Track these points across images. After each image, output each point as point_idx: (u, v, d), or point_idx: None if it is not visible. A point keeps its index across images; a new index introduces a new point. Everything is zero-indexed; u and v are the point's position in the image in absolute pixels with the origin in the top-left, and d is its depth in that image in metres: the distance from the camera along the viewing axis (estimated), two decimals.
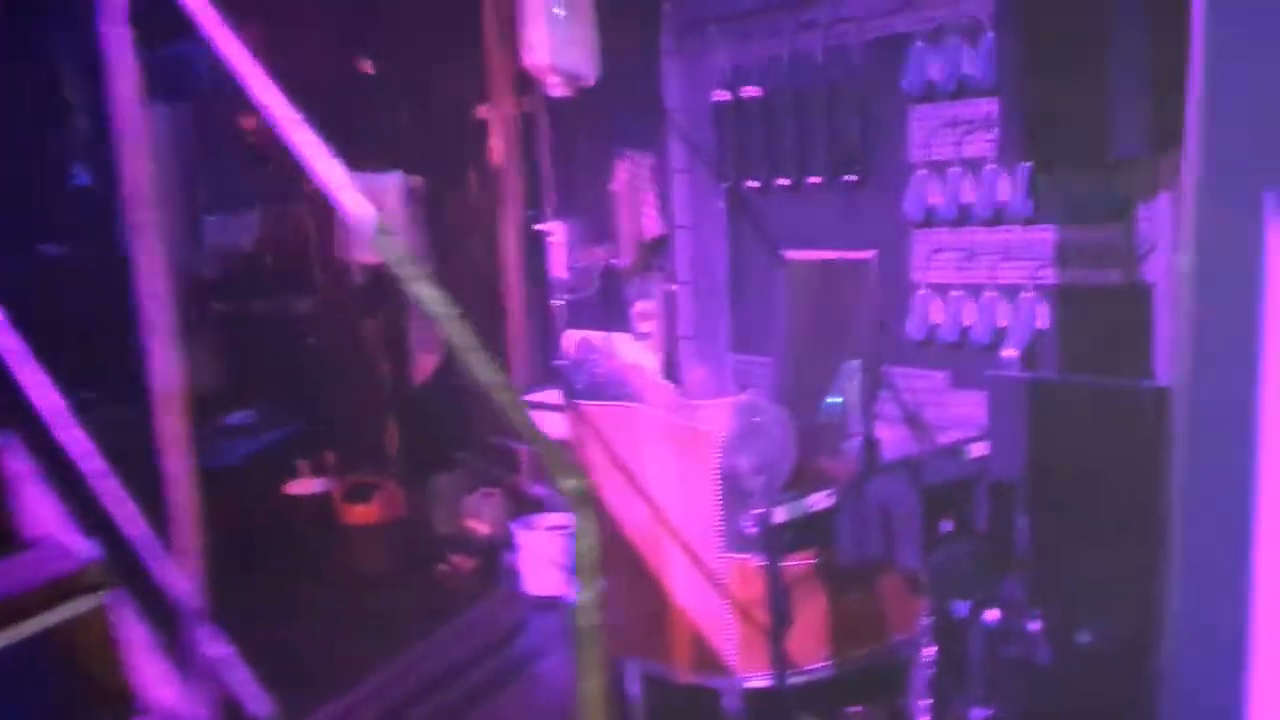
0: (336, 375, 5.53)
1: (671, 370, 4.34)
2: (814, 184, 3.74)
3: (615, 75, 4.43)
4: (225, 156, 6.01)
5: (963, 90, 3.34)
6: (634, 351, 4.44)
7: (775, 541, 2.92)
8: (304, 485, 5.42)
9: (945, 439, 3.48)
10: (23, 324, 6.01)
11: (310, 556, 5.19)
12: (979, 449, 3.15)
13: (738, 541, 3.07)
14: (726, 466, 3.09)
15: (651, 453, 3.22)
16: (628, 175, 4.25)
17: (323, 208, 5.36)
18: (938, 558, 2.87)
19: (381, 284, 5.35)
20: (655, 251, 4.32)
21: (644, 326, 4.38)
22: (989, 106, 3.28)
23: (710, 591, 3.13)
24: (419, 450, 5.39)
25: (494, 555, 4.95)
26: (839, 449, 3.95)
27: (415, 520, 5.24)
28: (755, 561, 3.02)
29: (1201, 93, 1.69)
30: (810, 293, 3.90)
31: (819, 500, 2.96)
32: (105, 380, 6.46)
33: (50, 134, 6.60)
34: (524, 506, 5.00)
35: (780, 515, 2.91)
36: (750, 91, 3.85)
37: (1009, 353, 3.26)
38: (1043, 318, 3.24)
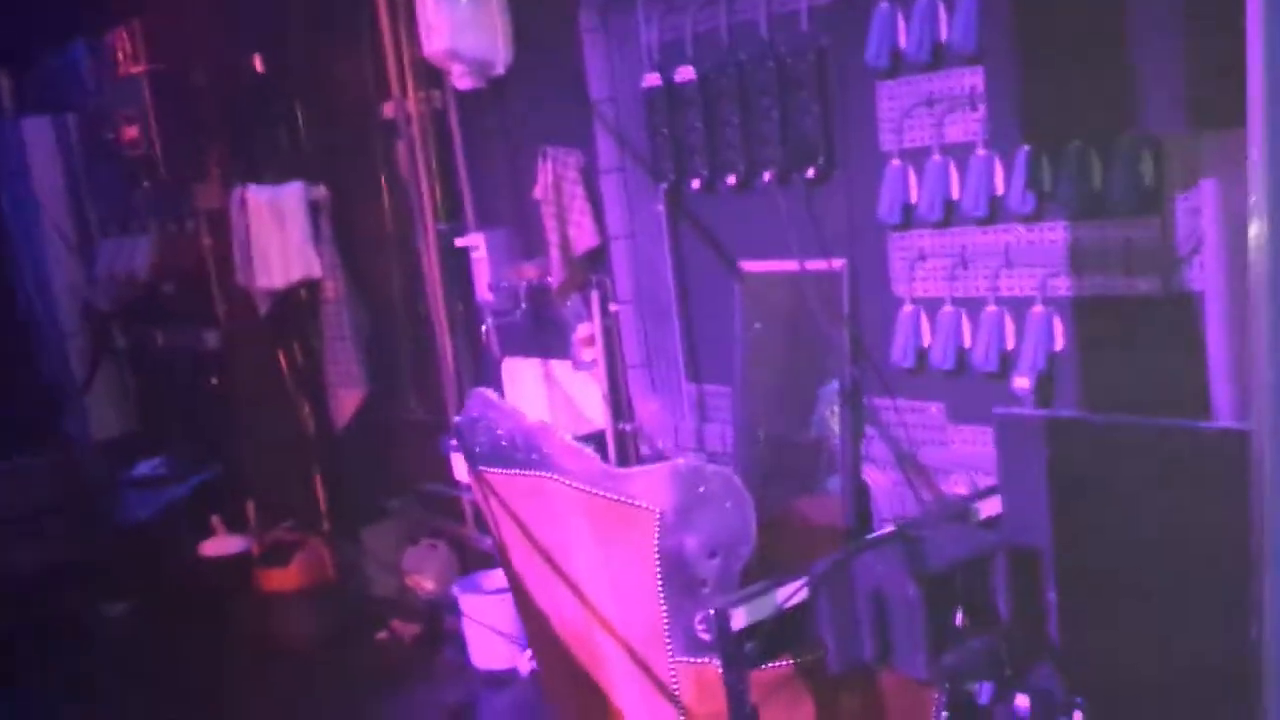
0: (250, 416, 4.88)
1: (620, 406, 3.70)
2: (767, 181, 3.10)
3: (530, 61, 3.77)
4: (112, 172, 5.34)
5: (940, 59, 2.69)
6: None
7: (737, 650, 2.29)
8: (219, 544, 4.79)
9: (947, 484, 2.85)
10: None
11: (229, 628, 4.58)
12: (990, 505, 2.52)
13: (692, 644, 2.45)
14: (669, 549, 2.46)
15: (574, 533, 2.60)
16: (551, 178, 3.60)
17: (219, 227, 4.71)
18: (951, 660, 2.25)
19: (290, 313, 4.70)
20: (590, 266, 3.67)
21: (585, 354, 3.73)
22: (972, 78, 2.63)
23: (661, 704, 2.51)
24: (347, 499, 4.75)
25: (439, 618, 4.33)
26: (820, 486, 3.34)
27: (346, 580, 4.62)
28: (716, 667, 2.39)
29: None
30: (772, 311, 3.26)
31: (792, 593, 2.33)
32: (11, 427, 5.82)
33: None
34: (471, 561, 4.37)
35: (741, 618, 2.28)
36: (685, 73, 3.19)
37: (1020, 382, 2.63)
38: (1059, 338, 2.61)
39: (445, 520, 4.42)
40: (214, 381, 5.03)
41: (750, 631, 2.29)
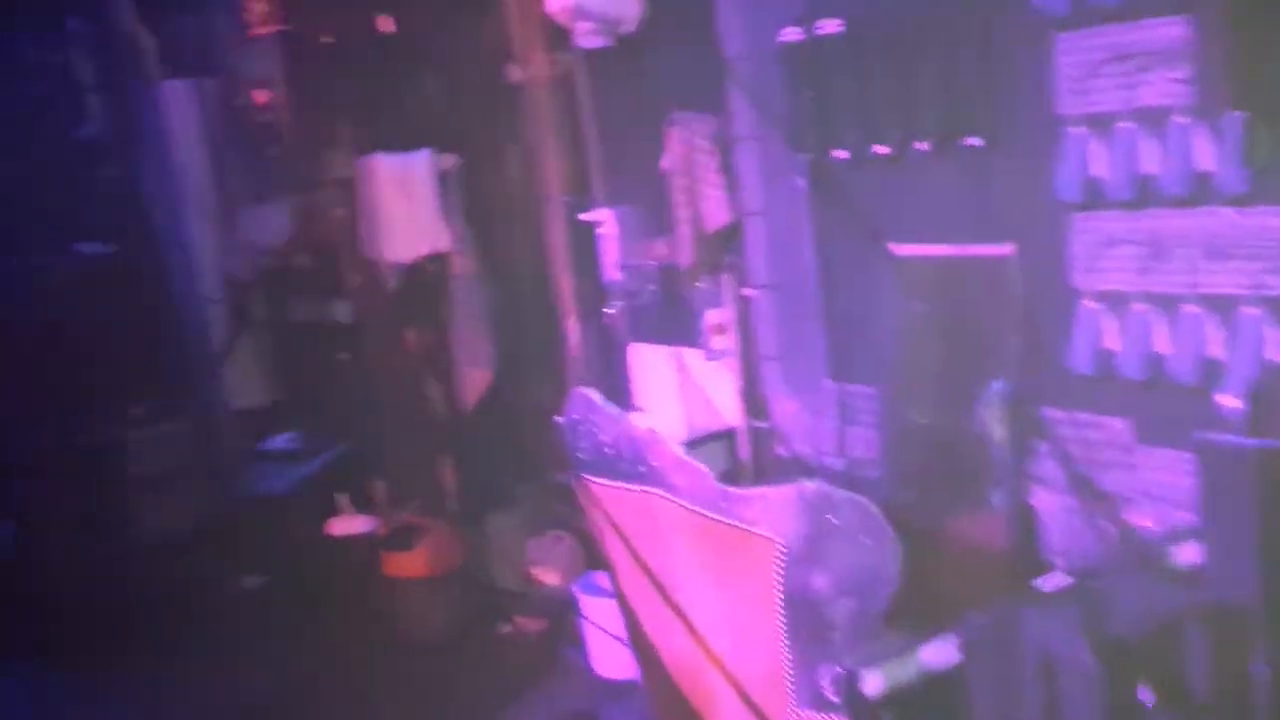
0: (379, 393, 4.73)
1: (754, 402, 3.35)
2: (923, 151, 2.68)
3: (662, 17, 3.42)
4: (247, 139, 5.25)
5: (1133, 6, 2.22)
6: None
7: (869, 717, 1.94)
8: (346, 524, 4.67)
9: (1132, 517, 2.41)
10: (61, 328, 5.42)
11: (353, 611, 4.46)
12: (1189, 552, 2.08)
13: (818, 698, 2.11)
14: (793, 586, 2.13)
15: (685, 557, 2.28)
16: (682, 148, 3.25)
17: (349, 197, 4.54)
18: None
19: (418, 287, 4.51)
20: (723, 246, 3.31)
21: (717, 343, 3.39)
22: (1174, 29, 2.16)
23: None
24: (474, 484, 4.56)
25: (563, 615, 4.10)
26: (978, 501, 2.92)
27: (471, 569, 4.43)
28: None
29: None
30: (928, 302, 2.84)
31: (940, 653, 1.95)
32: (155, 393, 5.88)
33: (79, 128, 6.01)
34: (598, 557, 4.12)
35: (877, 681, 1.92)
36: (830, 26, 2.78)
37: (1228, 401, 2.16)
38: (1276, 347, 2.13)
39: (572, 512, 4.17)
40: (344, 356, 4.90)
41: (888, 698, 1.94)
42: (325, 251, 4.86)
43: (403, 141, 4.43)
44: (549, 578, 4.25)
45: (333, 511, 4.71)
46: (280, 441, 5.20)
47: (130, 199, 5.75)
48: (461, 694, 3.96)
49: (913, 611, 2.16)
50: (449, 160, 4.38)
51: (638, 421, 2.36)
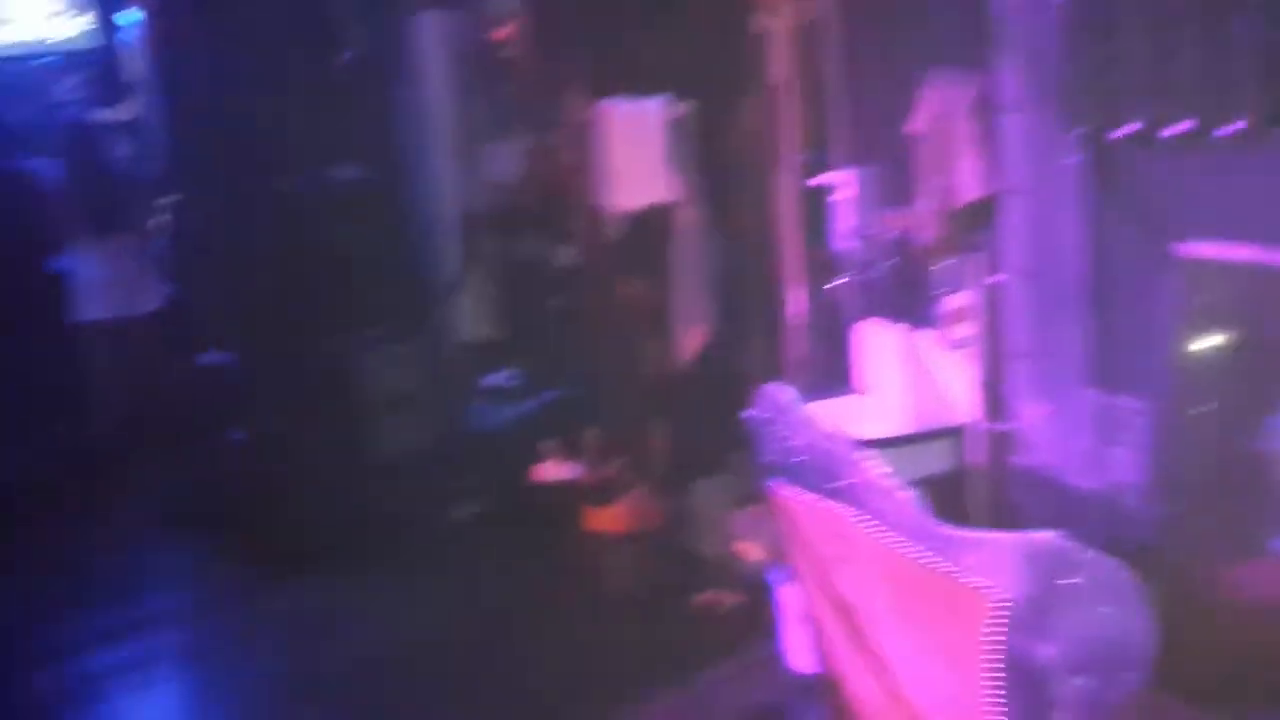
0: (595, 342, 4.60)
1: (995, 402, 2.98)
2: (1236, 131, 2.21)
3: None
4: (492, 74, 5.18)
5: None
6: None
7: None
8: (553, 469, 4.59)
9: None
10: (306, 251, 5.60)
11: (551, 558, 4.41)
12: None
13: None
14: (1013, 655, 1.79)
15: (881, 595, 1.98)
16: (936, 110, 2.87)
17: (581, 140, 4.38)
18: None
19: (641, 238, 4.32)
20: (975, 223, 2.93)
21: (956, 330, 3.03)
22: None
23: None
24: (683, 445, 4.37)
25: (763, 594, 3.87)
26: (1268, 548, 2.47)
27: (672, 532, 4.27)
28: None
29: None
30: (1224, 313, 2.39)
31: None
32: (391, 318, 6.00)
33: (339, 55, 6.12)
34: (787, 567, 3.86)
35: None
36: None
37: None
38: None
39: None
40: (560, 302, 4.79)
41: None
42: (554, 194, 4.75)
43: (639, 87, 4.22)
44: (752, 553, 4.02)
45: (541, 454, 4.65)
46: (500, 378, 5.18)
47: (383, 128, 5.85)
48: (644, 657, 3.82)
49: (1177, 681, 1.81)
50: (682, 109, 4.13)
51: (837, 429, 2.06)
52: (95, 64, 7.18)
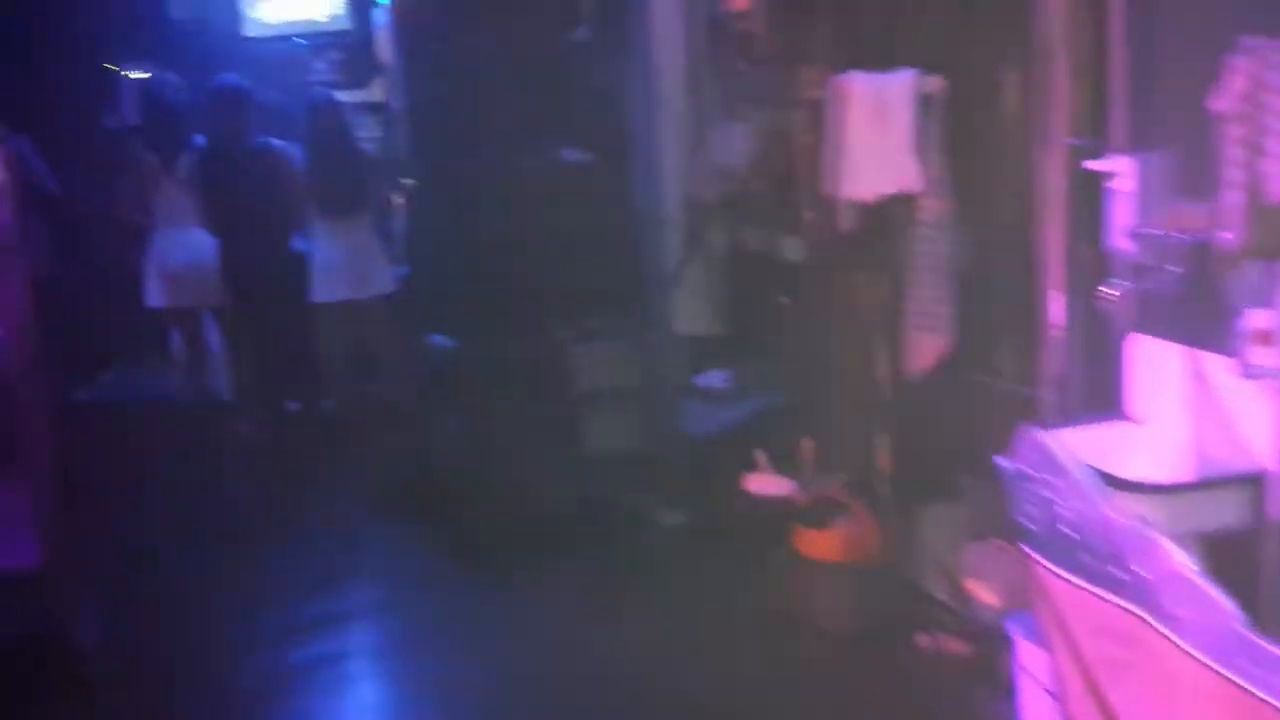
0: (819, 345, 4.19)
1: None
2: None
3: None
4: (727, 48, 4.85)
5: None
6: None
7: None
8: (763, 483, 4.23)
9: None
10: (529, 236, 5.49)
11: (757, 578, 4.06)
12: None
13: None
14: None
15: None
16: (1248, 85, 2.32)
17: (818, 121, 3.99)
18: None
19: (877, 232, 3.88)
20: None
21: (1259, 354, 2.46)
22: None
23: None
24: (910, 466, 3.90)
25: (998, 645, 3.38)
26: None
27: (892, 562, 3.82)
28: None
29: None
30: None
31: None
32: (607, 308, 5.79)
33: (572, 31, 5.98)
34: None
35: None
36: None
37: None
38: None
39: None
40: (784, 299, 4.40)
41: None
42: (784, 180, 4.37)
43: (885, 59, 3.78)
44: (986, 595, 3.53)
45: (752, 464, 4.29)
46: (713, 378, 4.84)
47: (610, 108, 5.66)
48: (853, 703, 3.43)
49: None
50: (933, 84, 3.66)
51: (1121, 501, 1.60)
52: (348, 46, 7.36)
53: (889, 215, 3.78)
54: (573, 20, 5.89)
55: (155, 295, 5.93)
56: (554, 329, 5.79)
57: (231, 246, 5.81)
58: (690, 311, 5.17)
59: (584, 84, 5.84)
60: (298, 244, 5.96)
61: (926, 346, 3.73)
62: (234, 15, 7.34)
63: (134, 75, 7.04)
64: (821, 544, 3.80)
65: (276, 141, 5.92)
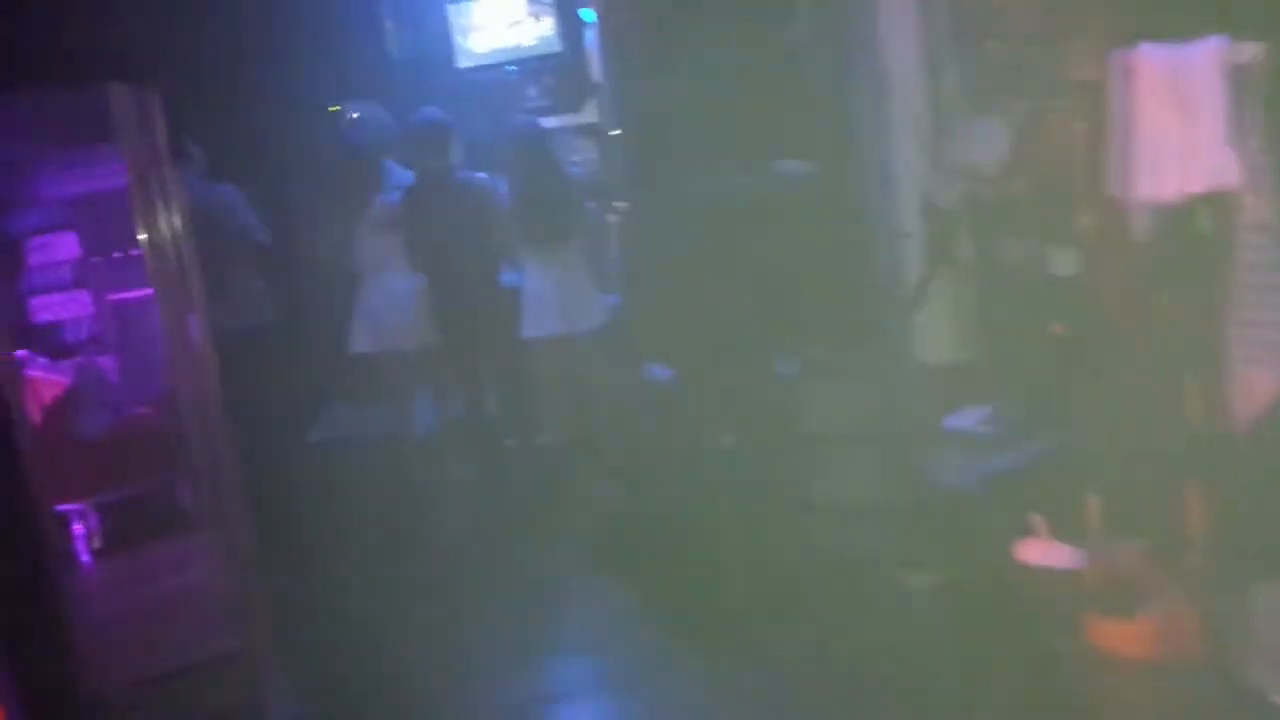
0: (1107, 379, 3.43)
1: None
2: None
3: None
4: (969, 32, 4.16)
5: None
6: None
7: None
8: (1039, 550, 3.49)
9: None
10: (748, 257, 4.98)
11: (1029, 674, 3.33)
12: None
13: None
14: None
15: None
16: None
17: (1097, 102, 3.27)
18: None
19: (1183, 240, 3.10)
20: None
21: None
22: None
23: None
24: (1234, 533, 3.08)
25: None
26: None
27: (1216, 660, 3.01)
28: None
29: None
30: None
31: None
32: (840, 332, 5.17)
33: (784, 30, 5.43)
34: None
35: None
36: None
37: None
38: None
39: None
40: (1064, 321, 3.65)
41: None
42: (1051, 180, 3.63)
43: (1181, 25, 3.01)
44: None
45: (1026, 527, 3.56)
46: (969, 418, 4.13)
47: (835, 109, 5.10)
48: None
49: None
50: (1248, 53, 2.86)
51: None
52: (558, 69, 7.08)
53: (1198, 219, 3.00)
54: (786, 18, 5.34)
55: (361, 340, 5.76)
56: (778, 360, 5.28)
57: (438, 286, 5.56)
58: (937, 337, 4.49)
59: (801, 87, 5.29)
60: (506, 278, 5.67)
61: (1257, 384, 2.92)
62: (448, 48, 7.21)
63: (347, 114, 7.00)
64: (1120, 634, 3.04)
65: (480, 175, 5.64)
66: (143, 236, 3.45)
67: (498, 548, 5.23)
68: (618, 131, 6.52)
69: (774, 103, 5.27)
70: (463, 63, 7.20)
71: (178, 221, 3.59)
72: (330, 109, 7.11)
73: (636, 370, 5.94)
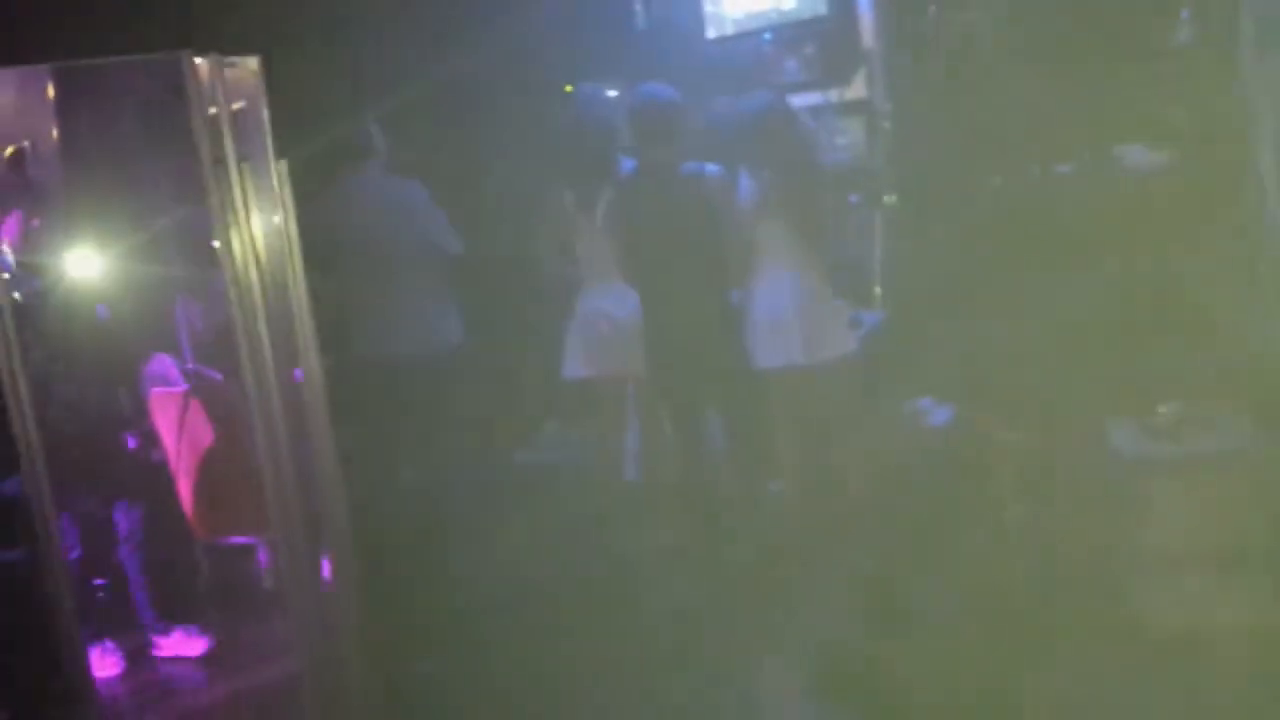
0: None
1: None
2: None
3: None
4: None
5: None
6: None
7: None
8: None
9: None
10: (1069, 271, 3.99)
11: None
12: None
13: None
14: None
15: None
16: None
17: None
18: None
19: None
20: None
21: None
22: None
23: None
24: None
25: None
26: None
27: None
28: None
29: None
30: None
31: None
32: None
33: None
34: None
35: None
36: None
37: None
38: None
39: None
40: None
41: None
42: None
43: None
44: None
45: None
46: None
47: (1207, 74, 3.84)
48: None
49: None
50: None
51: None
52: (820, 37, 5.96)
53: None
54: None
55: (573, 363, 4.84)
56: (1100, 413, 3.99)
57: (653, 301, 4.56)
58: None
59: (1150, 42, 3.94)
60: (736, 295, 4.60)
61: None
62: (698, 17, 6.25)
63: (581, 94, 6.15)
64: None
65: (711, 168, 4.58)
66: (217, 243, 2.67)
67: (708, 636, 4.15)
68: (891, 109, 5.33)
69: (1108, 67, 3.96)
70: (713, 33, 6.21)
71: (280, 223, 2.77)
72: (564, 89, 6.33)
73: (896, 404, 4.76)
